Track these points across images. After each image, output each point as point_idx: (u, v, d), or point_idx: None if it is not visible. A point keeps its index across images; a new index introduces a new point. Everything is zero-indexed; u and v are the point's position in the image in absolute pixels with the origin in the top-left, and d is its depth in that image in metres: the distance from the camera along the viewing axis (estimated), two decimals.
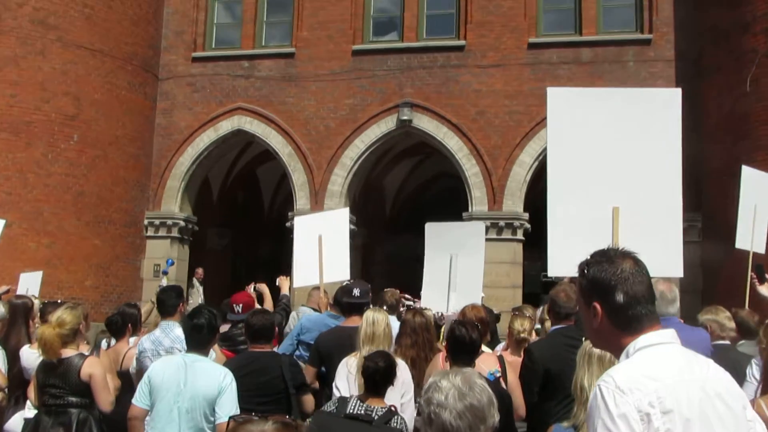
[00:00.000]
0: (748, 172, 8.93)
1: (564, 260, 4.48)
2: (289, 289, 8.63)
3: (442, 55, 16.41)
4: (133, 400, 4.68)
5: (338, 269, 8.48)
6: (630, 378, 2.15)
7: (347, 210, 9.28)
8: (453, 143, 16.09)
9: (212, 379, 4.55)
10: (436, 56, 16.45)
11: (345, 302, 6.27)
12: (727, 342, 5.98)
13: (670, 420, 2.11)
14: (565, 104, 4.64)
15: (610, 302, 2.28)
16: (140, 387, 4.68)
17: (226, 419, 4.44)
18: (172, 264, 14.33)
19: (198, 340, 4.71)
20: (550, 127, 4.63)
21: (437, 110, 16.19)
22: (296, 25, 17.37)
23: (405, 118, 16.23)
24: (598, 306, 2.30)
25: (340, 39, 16.97)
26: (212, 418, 4.53)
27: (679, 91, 4.57)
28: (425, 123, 16.30)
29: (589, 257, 2.39)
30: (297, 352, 6.71)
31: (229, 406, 4.53)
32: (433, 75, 16.37)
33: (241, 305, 7.01)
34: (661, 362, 2.20)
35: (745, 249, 8.67)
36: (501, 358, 5.35)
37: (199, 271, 17.69)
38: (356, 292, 6.23)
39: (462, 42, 16.36)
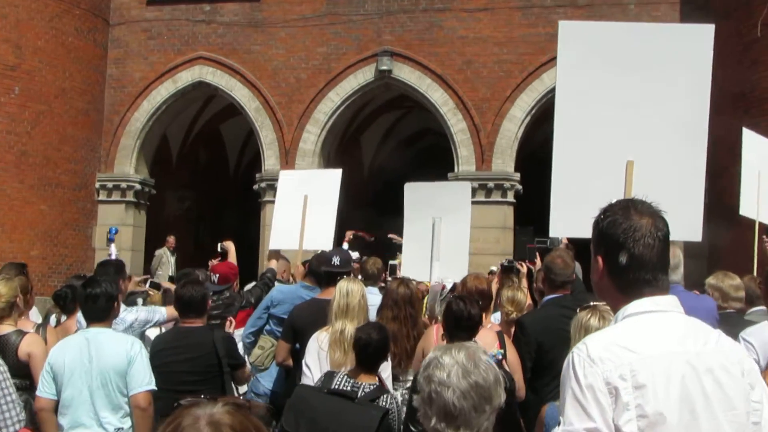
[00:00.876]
0: (749, 136, 8.79)
1: (567, 219, 4.41)
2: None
3: None
4: (37, 392, 4.63)
5: (320, 237, 8.35)
6: (604, 347, 2.12)
7: (340, 172, 9.02)
8: (437, 96, 15.95)
9: (119, 349, 4.53)
10: None
11: (323, 272, 6.15)
12: (732, 311, 5.96)
13: (642, 395, 2.06)
14: (579, 40, 4.47)
15: (613, 260, 2.27)
16: (42, 376, 4.63)
17: (140, 390, 4.48)
18: (116, 232, 14.11)
19: (95, 311, 4.67)
20: (560, 66, 4.49)
21: (419, 59, 16.00)
22: None
23: (384, 68, 16.04)
24: (600, 260, 2.31)
25: None
26: (126, 391, 4.52)
27: (711, 27, 4.40)
28: (406, 73, 16.12)
29: (611, 203, 2.37)
30: (267, 327, 6.63)
31: (140, 377, 4.51)
32: (415, 20, 16.15)
33: (217, 276, 6.90)
34: (644, 332, 2.16)
35: (750, 217, 8.66)
36: (501, 335, 5.31)
37: (170, 239, 17.48)
38: (336, 260, 6.09)
39: None
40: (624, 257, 2.24)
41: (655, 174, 4.26)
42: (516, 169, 15.72)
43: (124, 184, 17.21)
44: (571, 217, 4.34)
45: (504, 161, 15.67)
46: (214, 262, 8.12)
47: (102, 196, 17.11)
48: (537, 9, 15.62)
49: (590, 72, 4.42)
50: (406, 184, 7.68)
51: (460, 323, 4.60)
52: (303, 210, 8.38)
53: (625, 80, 4.38)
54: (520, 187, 15.79)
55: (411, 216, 7.55)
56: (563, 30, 4.56)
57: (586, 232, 4.98)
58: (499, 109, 15.61)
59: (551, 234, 4.76)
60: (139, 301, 8.63)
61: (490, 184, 15.55)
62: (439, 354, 2.49)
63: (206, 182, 21.49)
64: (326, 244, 8.35)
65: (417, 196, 7.61)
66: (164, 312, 5.97)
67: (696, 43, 4.36)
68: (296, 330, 5.82)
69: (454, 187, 8.27)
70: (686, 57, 4.33)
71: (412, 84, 16.11)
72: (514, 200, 15.76)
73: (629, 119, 4.35)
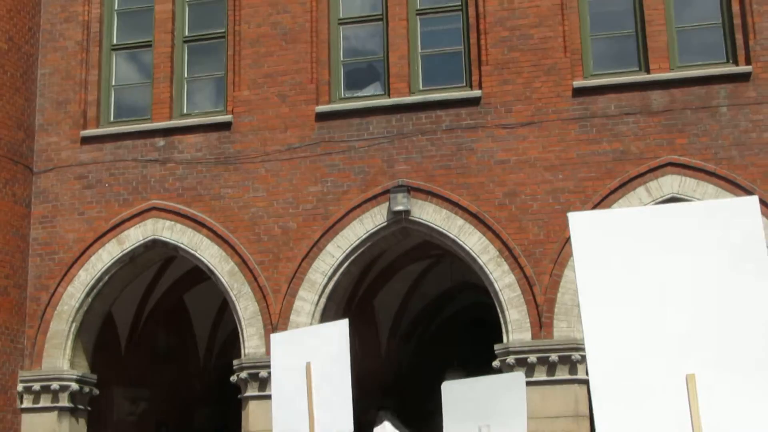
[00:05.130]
0: None
1: None
2: None
3: (448, 113, 16.71)
4: None
5: (336, 415, 8.30)
6: None
7: (346, 322, 9.16)
8: (473, 242, 16.19)
9: None
10: (439, 115, 16.75)
11: None
12: None
13: None
14: (597, 234, 4.76)
15: None
16: None
17: None
18: None
19: None
20: (580, 268, 4.76)
21: (446, 194, 16.35)
22: (232, 81, 17.71)
23: (400, 208, 16.36)
24: None
25: (297, 98, 17.29)
26: None
27: (755, 198, 4.71)
28: (430, 214, 16.44)
29: None
30: None
31: None
32: (437, 143, 16.63)
33: None
34: None
35: None
36: None
37: None
38: None
39: (476, 92, 16.69)
40: None
41: (725, 387, 4.41)
42: None
43: (56, 384, 17.32)
44: None
45: (570, 324, 15.72)
46: None
47: (26, 403, 17.26)
48: (599, 119, 16.08)
49: (618, 271, 4.67)
50: (443, 384, 7.81)
51: None
52: (308, 383, 8.40)
53: (662, 276, 4.62)
54: None
55: (451, 427, 7.65)
56: (575, 224, 4.82)
57: None
58: (559, 255, 15.79)
59: None
60: None
61: (553, 357, 15.55)
62: None
63: (168, 374, 21.53)
64: (345, 424, 8.29)
65: (457, 398, 7.72)
66: None
67: (741, 218, 4.61)
68: None
69: (500, 382, 8.32)
70: (732, 237, 4.58)
71: (438, 227, 16.41)
72: (588, 377, 15.64)
73: (677, 323, 4.56)
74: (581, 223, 4.84)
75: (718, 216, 4.69)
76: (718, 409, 4.35)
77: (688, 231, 4.65)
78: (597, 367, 4.67)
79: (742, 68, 15.88)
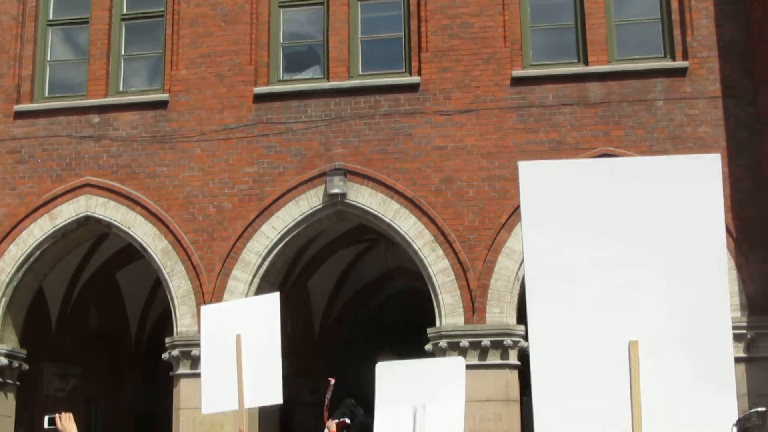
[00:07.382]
0: None
1: (558, 423, 4.36)
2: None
3: (386, 98, 16.61)
4: None
5: (266, 387, 8.37)
6: None
7: (277, 295, 9.10)
8: (408, 226, 16.10)
9: None
10: (378, 99, 16.64)
11: None
12: None
13: None
14: (548, 187, 4.46)
15: None
16: None
17: None
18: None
19: None
20: (526, 224, 4.46)
21: (382, 179, 16.26)
22: (169, 60, 17.48)
23: (336, 191, 16.24)
24: None
25: (235, 79, 17.11)
26: None
27: (717, 157, 4.50)
28: (366, 197, 16.32)
29: (756, 410, 2.38)
30: None
31: None
32: (375, 127, 16.51)
33: None
34: None
35: None
36: None
37: None
38: None
39: (415, 78, 16.61)
40: None
41: (668, 354, 4.26)
42: (519, 321, 15.73)
43: None
44: (561, 419, 4.32)
45: (502, 310, 15.71)
46: None
47: None
48: (536, 109, 16.06)
49: (567, 228, 4.41)
50: (377, 364, 7.70)
51: None
52: (237, 355, 8.34)
53: (612, 236, 4.39)
54: (525, 344, 15.73)
55: (384, 405, 7.53)
56: (525, 175, 4.47)
57: None
58: (493, 241, 15.78)
59: None
60: None
61: (486, 342, 15.53)
62: None
63: (99, 351, 21.37)
64: (275, 397, 8.35)
65: (391, 378, 7.61)
66: None
67: (700, 178, 4.38)
68: None
69: (440, 366, 8.24)
70: (690, 196, 4.36)
71: (373, 211, 16.32)
72: (519, 362, 15.70)
73: (624, 286, 4.36)
74: (532, 174, 4.50)
75: (677, 172, 4.44)
76: (659, 378, 4.21)
77: (645, 187, 4.40)
78: (538, 331, 4.40)
79: (679, 63, 15.99)
